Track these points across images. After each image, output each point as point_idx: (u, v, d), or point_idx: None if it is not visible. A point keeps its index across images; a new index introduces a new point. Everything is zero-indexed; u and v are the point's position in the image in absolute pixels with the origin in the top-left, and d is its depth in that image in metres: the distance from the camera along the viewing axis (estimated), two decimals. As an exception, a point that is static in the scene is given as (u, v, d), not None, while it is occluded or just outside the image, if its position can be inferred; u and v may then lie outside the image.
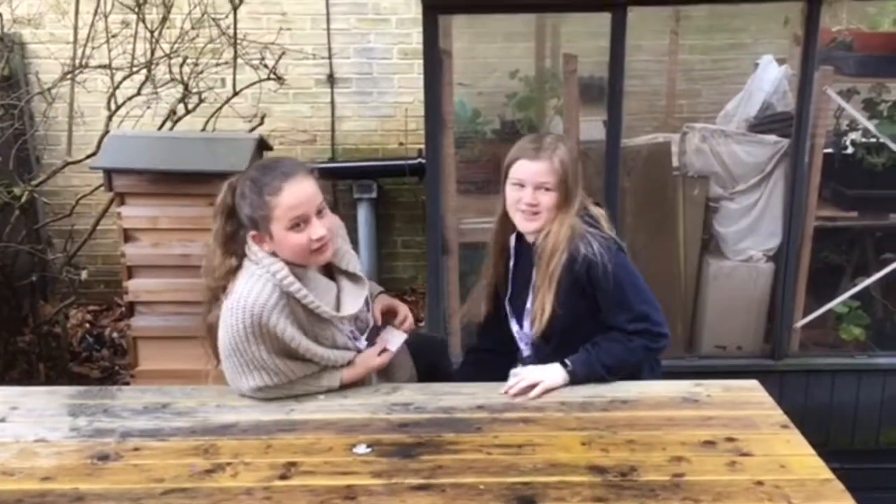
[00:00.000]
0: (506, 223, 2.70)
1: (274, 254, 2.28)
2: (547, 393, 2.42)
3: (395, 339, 2.54)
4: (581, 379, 2.46)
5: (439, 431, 2.22)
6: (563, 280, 2.47)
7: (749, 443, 2.15)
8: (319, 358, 2.36)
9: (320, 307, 2.29)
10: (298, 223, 2.24)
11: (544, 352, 2.57)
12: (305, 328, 2.32)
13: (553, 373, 2.47)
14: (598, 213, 2.61)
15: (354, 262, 2.48)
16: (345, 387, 2.45)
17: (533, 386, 2.43)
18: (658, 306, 2.54)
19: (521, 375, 2.47)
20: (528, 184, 2.53)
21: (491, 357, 2.84)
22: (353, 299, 2.40)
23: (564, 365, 2.47)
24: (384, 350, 2.51)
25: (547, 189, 2.51)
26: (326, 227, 2.30)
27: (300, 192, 2.25)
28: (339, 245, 2.45)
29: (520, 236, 2.70)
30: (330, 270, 2.44)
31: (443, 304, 3.64)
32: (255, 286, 2.25)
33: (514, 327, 2.73)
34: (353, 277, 2.45)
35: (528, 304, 2.61)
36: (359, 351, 2.48)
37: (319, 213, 2.29)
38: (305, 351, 2.32)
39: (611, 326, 2.50)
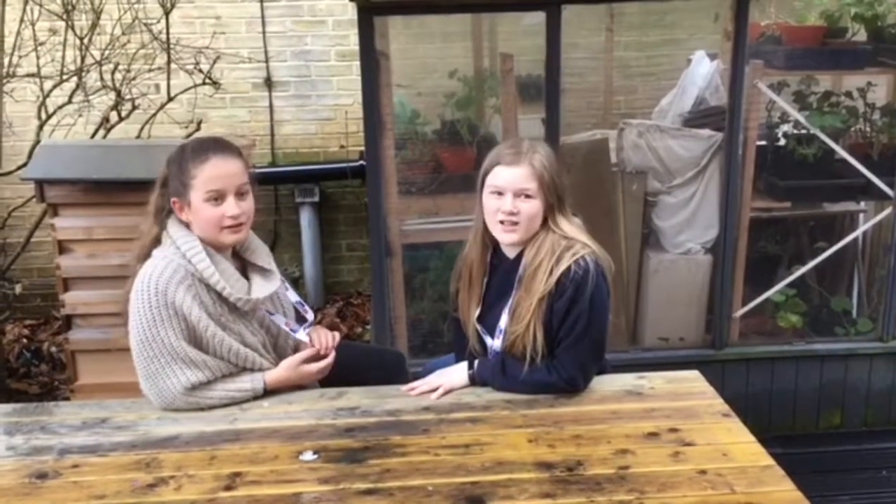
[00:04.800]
0: (484, 239, 2.53)
1: (189, 228, 2.33)
2: (448, 393, 2.44)
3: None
4: (479, 384, 2.47)
5: (386, 435, 2.21)
6: (550, 305, 2.36)
7: (692, 433, 2.19)
8: (227, 348, 2.32)
9: (226, 288, 2.29)
10: (216, 197, 2.29)
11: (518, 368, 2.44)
12: (213, 317, 2.30)
13: (455, 376, 2.48)
14: (577, 223, 2.47)
15: (266, 257, 2.49)
16: (288, 391, 2.43)
17: (435, 389, 2.44)
18: (597, 362, 2.46)
19: (425, 379, 2.49)
20: (507, 191, 2.37)
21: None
22: (261, 288, 2.40)
23: (470, 367, 2.48)
24: (320, 357, 2.47)
25: (527, 196, 2.37)
26: (245, 210, 2.33)
27: (224, 166, 2.30)
28: (254, 242, 2.48)
29: (494, 249, 2.55)
30: (244, 269, 2.45)
31: (388, 306, 3.64)
32: (159, 264, 2.28)
33: (488, 340, 2.53)
34: (264, 273, 2.46)
35: (502, 324, 2.47)
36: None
37: (241, 194, 2.33)
38: (212, 336, 2.29)
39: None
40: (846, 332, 3.98)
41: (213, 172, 2.29)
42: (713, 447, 2.12)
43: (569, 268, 2.34)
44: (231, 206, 2.30)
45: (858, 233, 4.08)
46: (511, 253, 2.50)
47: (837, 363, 3.86)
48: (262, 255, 2.48)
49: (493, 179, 2.42)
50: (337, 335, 2.54)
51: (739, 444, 2.13)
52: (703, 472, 2.00)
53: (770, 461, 2.05)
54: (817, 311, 4.09)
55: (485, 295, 2.57)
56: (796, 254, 4.24)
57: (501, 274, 2.52)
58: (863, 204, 4.14)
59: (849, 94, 3.92)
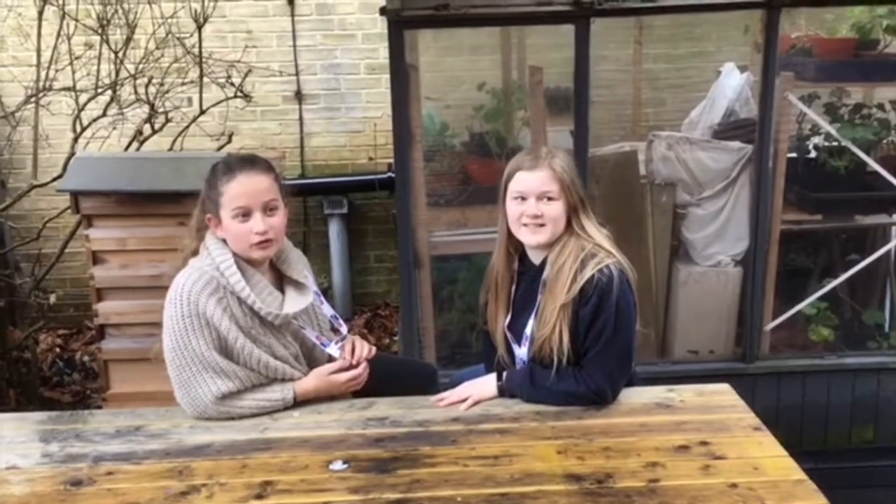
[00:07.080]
0: (508, 248, 2.57)
1: (225, 242, 2.36)
2: (477, 404, 2.44)
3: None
4: (508, 396, 2.47)
5: (415, 445, 2.22)
6: (575, 311, 2.37)
7: (722, 446, 2.17)
8: (256, 360, 2.34)
9: (256, 302, 2.31)
10: (243, 213, 2.31)
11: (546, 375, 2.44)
12: (243, 329, 2.32)
13: (485, 387, 2.49)
14: (604, 233, 2.47)
15: (302, 271, 2.49)
16: (318, 401, 2.45)
17: (464, 399, 2.45)
18: (625, 373, 2.45)
19: (454, 390, 2.50)
20: (530, 195, 2.42)
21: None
22: (293, 303, 2.42)
23: (499, 378, 2.48)
24: (350, 367, 2.46)
25: (550, 198, 2.41)
26: (274, 225, 2.34)
27: (249, 183, 2.32)
28: (291, 255, 2.50)
29: (520, 258, 2.58)
30: (280, 281, 2.47)
31: (416, 318, 3.65)
32: (192, 275, 2.32)
33: (516, 349, 2.56)
34: (298, 286, 2.47)
35: (528, 330, 2.49)
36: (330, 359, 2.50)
37: (270, 210, 2.35)
38: (242, 348, 2.31)
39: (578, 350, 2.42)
40: (878, 346, 3.93)
41: (239, 189, 2.31)
42: (744, 461, 2.10)
43: (593, 276, 2.35)
44: (257, 223, 2.31)
45: (891, 245, 4.04)
46: (537, 259, 2.51)
47: (870, 377, 3.81)
48: (297, 268, 2.49)
49: (515, 185, 2.46)
50: (373, 348, 2.54)
51: (771, 458, 2.12)
52: (734, 485, 1.99)
53: (802, 475, 2.03)
54: (849, 324, 4.05)
55: (512, 303, 2.59)
56: (828, 266, 4.19)
57: (528, 281, 2.54)
58: (895, 216, 4.10)
59: (881, 107, 3.89)
